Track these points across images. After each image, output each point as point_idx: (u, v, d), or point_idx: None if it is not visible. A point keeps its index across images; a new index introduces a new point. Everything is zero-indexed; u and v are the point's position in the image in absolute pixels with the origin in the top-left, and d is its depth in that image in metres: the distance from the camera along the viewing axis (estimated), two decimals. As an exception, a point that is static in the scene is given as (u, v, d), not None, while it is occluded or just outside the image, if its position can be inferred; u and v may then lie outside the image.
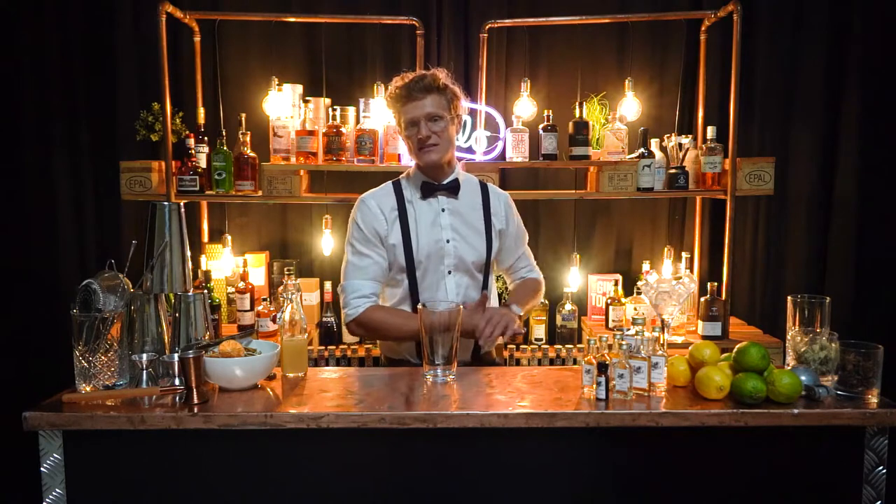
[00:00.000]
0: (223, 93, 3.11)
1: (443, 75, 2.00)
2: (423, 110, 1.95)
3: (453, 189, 2.06)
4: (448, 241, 2.04)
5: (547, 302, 3.01)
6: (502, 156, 2.91)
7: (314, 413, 1.48)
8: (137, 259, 1.69)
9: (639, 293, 2.81)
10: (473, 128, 2.93)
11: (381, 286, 2.08)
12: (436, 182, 2.06)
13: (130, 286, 1.68)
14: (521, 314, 2.05)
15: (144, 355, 1.61)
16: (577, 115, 2.85)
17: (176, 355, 1.58)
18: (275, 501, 1.53)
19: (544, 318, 2.99)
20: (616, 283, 3.01)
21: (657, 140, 2.93)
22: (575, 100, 2.92)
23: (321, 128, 2.84)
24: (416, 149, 2.00)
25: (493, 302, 2.20)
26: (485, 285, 2.10)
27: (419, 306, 1.73)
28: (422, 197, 2.06)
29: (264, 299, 2.87)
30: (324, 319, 2.95)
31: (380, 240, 2.04)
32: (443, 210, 2.06)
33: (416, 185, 2.07)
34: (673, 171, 2.84)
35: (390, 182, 2.13)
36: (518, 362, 2.80)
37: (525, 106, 2.96)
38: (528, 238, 2.26)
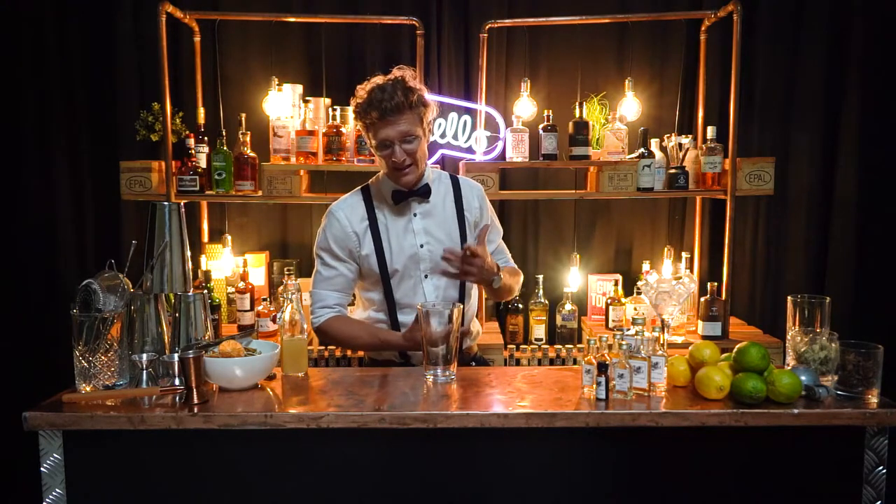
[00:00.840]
0: (223, 93, 3.11)
1: (409, 76, 1.93)
2: (396, 130, 1.89)
3: (424, 193, 2.03)
4: (422, 246, 2.03)
5: (547, 302, 3.01)
6: (502, 156, 2.91)
7: (314, 413, 1.48)
8: (137, 259, 1.69)
9: (639, 293, 2.81)
10: (473, 128, 2.93)
11: (346, 296, 2.09)
12: (406, 189, 2.02)
13: (130, 286, 1.68)
14: (500, 282, 1.99)
15: (144, 355, 1.61)
16: (577, 115, 2.85)
17: (176, 355, 1.58)
18: (275, 501, 1.53)
19: (544, 318, 2.99)
20: (616, 283, 3.01)
21: (657, 140, 2.93)
22: (575, 100, 2.92)
23: (321, 128, 2.84)
24: (392, 170, 1.95)
25: (473, 302, 2.18)
26: (463, 283, 2.08)
27: (418, 306, 1.73)
28: (393, 205, 2.03)
29: (264, 299, 2.87)
30: (324, 319, 2.95)
31: (349, 254, 2.03)
32: (415, 215, 2.04)
33: (386, 192, 2.04)
34: (673, 171, 2.84)
35: (359, 189, 2.10)
36: (518, 362, 2.80)
37: (525, 106, 2.96)
38: (502, 233, 2.22)
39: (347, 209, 2.04)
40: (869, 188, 3.09)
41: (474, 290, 2.19)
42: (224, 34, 3.10)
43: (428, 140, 2.01)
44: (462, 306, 1.76)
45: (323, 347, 2.84)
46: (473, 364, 2.14)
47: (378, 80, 1.93)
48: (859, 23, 3.03)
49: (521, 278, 2.24)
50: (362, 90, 1.93)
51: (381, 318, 2.07)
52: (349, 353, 2.83)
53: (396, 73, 1.94)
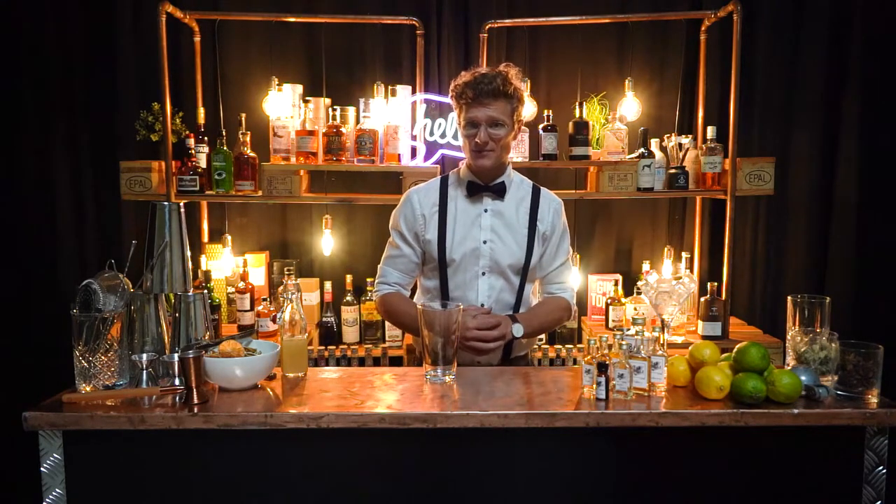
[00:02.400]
0: (223, 93, 3.11)
1: (513, 74, 1.99)
2: (485, 113, 1.93)
3: (499, 191, 2.05)
4: (485, 242, 2.02)
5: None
6: (502, 156, 2.90)
7: (314, 413, 1.48)
8: (137, 259, 1.69)
9: (639, 293, 2.81)
10: (473, 128, 2.93)
11: (409, 277, 2.12)
12: (482, 183, 2.05)
13: (130, 286, 1.67)
14: (522, 334, 1.97)
15: (144, 355, 1.61)
16: (577, 115, 2.85)
17: (176, 355, 1.58)
18: (274, 501, 1.53)
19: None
20: (616, 283, 3.01)
21: (657, 140, 2.93)
22: (575, 100, 2.92)
23: (321, 128, 2.84)
24: (471, 150, 1.98)
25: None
26: (521, 290, 2.06)
27: (419, 306, 1.73)
28: (466, 196, 2.06)
29: (264, 299, 2.87)
30: (324, 319, 2.95)
31: (415, 237, 2.07)
32: (485, 210, 2.05)
33: (462, 183, 2.07)
34: (673, 171, 2.84)
35: (440, 177, 2.14)
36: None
37: (525, 106, 2.94)
38: (570, 254, 2.16)
39: (422, 193, 2.10)
40: (869, 188, 3.09)
41: (533, 299, 2.16)
42: (224, 34, 3.10)
43: (515, 136, 2.05)
44: (461, 307, 1.75)
45: (323, 347, 2.85)
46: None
47: (483, 69, 2.01)
48: (859, 23, 3.03)
49: (569, 313, 2.14)
50: (467, 74, 1.99)
51: None
52: (349, 353, 2.84)
53: (503, 68, 2.00)
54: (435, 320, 1.69)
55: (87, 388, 1.57)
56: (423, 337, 1.72)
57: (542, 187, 2.14)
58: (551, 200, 2.12)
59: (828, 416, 1.49)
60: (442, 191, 2.08)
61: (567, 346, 2.91)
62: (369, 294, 2.89)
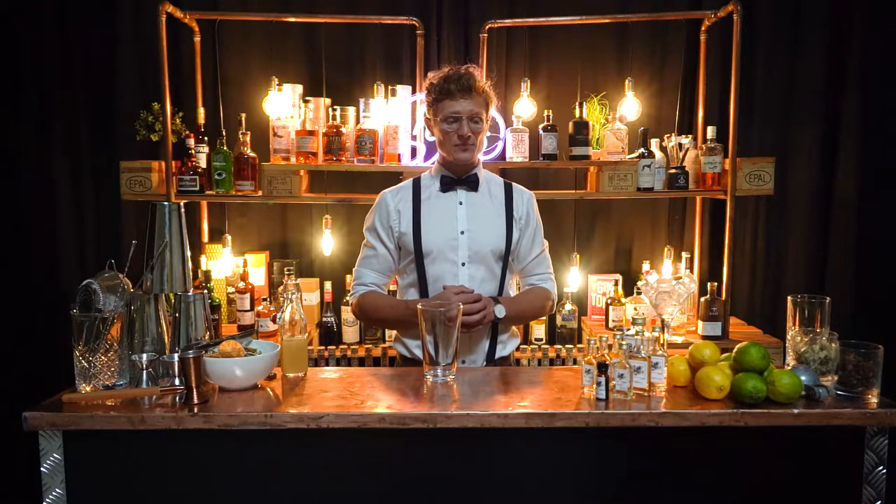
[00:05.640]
0: (223, 93, 3.11)
1: (478, 74, 2.03)
2: (466, 107, 1.97)
3: (472, 183, 2.07)
4: (462, 233, 2.03)
5: (547, 302, 3.01)
6: (502, 156, 2.91)
7: (314, 413, 1.48)
8: (137, 259, 1.69)
9: (639, 293, 2.81)
10: (473, 128, 2.93)
11: (385, 277, 2.13)
12: (455, 176, 2.07)
13: (130, 286, 1.68)
14: (503, 315, 1.97)
15: (144, 355, 1.61)
16: (577, 115, 2.85)
17: (176, 355, 1.58)
18: (275, 501, 1.53)
19: (544, 318, 2.99)
20: (616, 283, 3.01)
21: (657, 140, 2.93)
22: (575, 100, 2.92)
23: (321, 128, 2.84)
24: (453, 144, 2.00)
25: None
26: (502, 281, 2.07)
27: (418, 307, 1.73)
28: (440, 190, 2.08)
29: (264, 299, 2.87)
30: (324, 319, 2.95)
31: (389, 232, 2.07)
32: (460, 203, 2.07)
33: (436, 178, 2.10)
34: (673, 171, 2.84)
35: (412, 179, 2.16)
36: (518, 362, 2.80)
37: (525, 106, 2.96)
38: (546, 246, 2.18)
39: (395, 191, 2.14)
40: (869, 188, 3.09)
41: (513, 290, 2.17)
42: (224, 34, 3.10)
43: (485, 134, 2.09)
44: (461, 306, 1.75)
45: (323, 347, 2.85)
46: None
47: (450, 67, 2.05)
48: (859, 22, 3.04)
49: (550, 302, 2.15)
50: (440, 72, 2.04)
51: None
52: (349, 353, 2.84)
53: (469, 68, 2.05)
54: (434, 319, 1.69)
55: (87, 388, 1.57)
56: (422, 337, 1.71)
57: (512, 182, 2.18)
58: (522, 192, 2.15)
59: (828, 416, 1.49)
60: (415, 188, 2.11)
61: (567, 346, 2.91)
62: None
